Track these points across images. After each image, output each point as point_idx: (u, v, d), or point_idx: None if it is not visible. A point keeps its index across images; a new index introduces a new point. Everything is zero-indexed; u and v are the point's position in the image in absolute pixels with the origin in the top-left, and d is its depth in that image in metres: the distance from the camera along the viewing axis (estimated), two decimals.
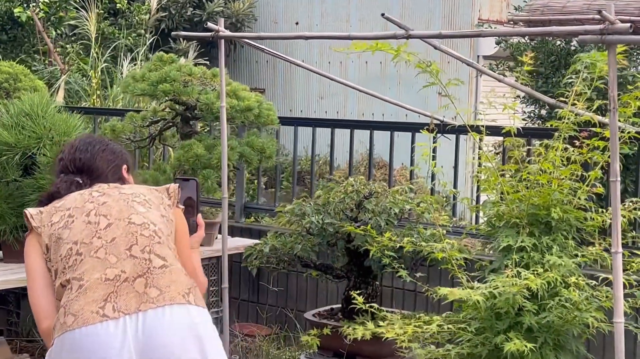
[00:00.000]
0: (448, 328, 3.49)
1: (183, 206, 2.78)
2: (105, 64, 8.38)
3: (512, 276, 3.35)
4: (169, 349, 2.46)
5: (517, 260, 3.53)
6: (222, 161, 3.98)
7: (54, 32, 10.60)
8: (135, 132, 5.25)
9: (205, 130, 6.34)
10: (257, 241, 4.63)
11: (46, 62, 9.21)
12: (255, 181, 10.00)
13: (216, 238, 5.34)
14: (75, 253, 2.54)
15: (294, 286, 5.51)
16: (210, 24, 3.93)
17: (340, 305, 4.43)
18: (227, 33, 4.11)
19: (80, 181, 2.71)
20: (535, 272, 3.35)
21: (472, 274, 3.80)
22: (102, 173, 2.73)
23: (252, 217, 6.94)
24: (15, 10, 10.26)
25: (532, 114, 8.96)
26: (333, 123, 5.97)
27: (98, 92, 7.77)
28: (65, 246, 2.55)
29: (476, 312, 3.54)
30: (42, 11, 10.37)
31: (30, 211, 2.66)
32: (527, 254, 3.55)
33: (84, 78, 8.12)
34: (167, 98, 5.04)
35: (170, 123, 5.24)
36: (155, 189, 2.73)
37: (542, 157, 3.67)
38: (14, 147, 4.27)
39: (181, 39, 11.92)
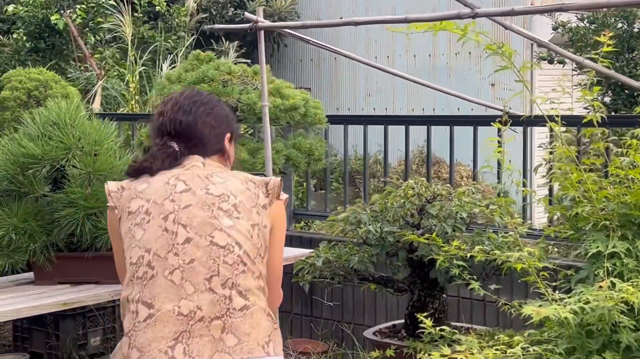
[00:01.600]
0: (534, 351, 3.02)
1: (285, 197, 2.39)
2: (144, 67, 8.06)
3: (606, 288, 2.88)
4: None
5: (609, 268, 3.06)
6: (266, 166, 3.57)
7: (92, 38, 10.34)
8: None
9: (249, 133, 5.96)
10: (308, 250, 4.23)
11: (82, 68, 8.93)
12: (304, 183, 9.65)
13: None
14: (146, 264, 2.18)
15: (350, 299, 5.09)
16: (248, 14, 3.53)
17: (403, 321, 4.00)
18: (267, 23, 3.71)
19: (177, 150, 2.33)
20: (635, 283, 2.88)
21: (555, 284, 3.35)
22: (202, 141, 2.38)
23: (302, 222, 6.54)
24: (52, 18, 10.01)
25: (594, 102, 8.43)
26: (386, 120, 5.54)
27: (137, 97, 7.45)
28: (137, 251, 2.21)
29: (564, 330, 3.07)
30: (79, 17, 10.11)
31: (110, 186, 2.33)
32: (620, 261, 3.08)
33: (122, 84, 7.80)
34: None
35: None
36: (253, 182, 2.34)
37: (632, 148, 3.20)
38: (40, 159, 3.91)
39: (223, 39, 11.59)
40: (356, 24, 3.28)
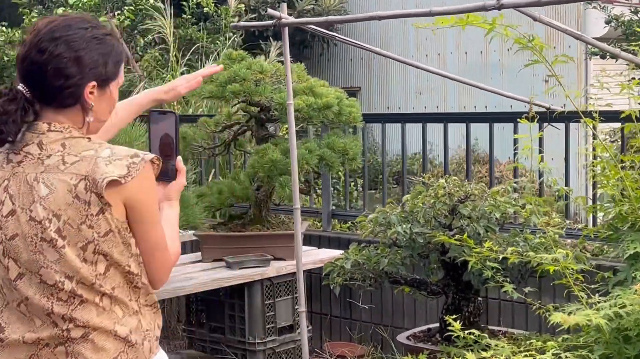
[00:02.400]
0: (566, 356, 2.88)
1: (146, 161, 1.99)
2: (187, 68, 8.03)
3: None
4: None
5: None
6: (292, 166, 3.48)
7: (142, 40, 10.37)
8: (208, 138, 4.83)
9: (285, 133, 5.88)
10: (339, 252, 4.14)
11: (125, 70, 8.96)
12: (352, 183, 9.53)
13: None
14: None
15: (389, 301, 4.97)
16: (271, 11, 3.44)
17: (438, 325, 3.87)
18: (291, 19, 3.61)
19: (23, 91, 1.97)
20: None
21: (593, 286, 3.19)
22: (49, 93, 1.97)
23: (349, 222, 6.43)
24: (101, 19, 10.07)
25: None
26: (424, 118, 5.39)
27: (178, 99, 7.43)
28: None
29: (600, 335, 2.92)
30: (127, 19, 10.16)
31: None
32: None
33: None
34: (238, 99, 4.59)
35: (245, 127, 4.79)
36: (85, 187, 1.92)
37: None
38: None
39: (271, 39, 11.55)
40: (380, 18, 3.17)
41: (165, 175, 2.19)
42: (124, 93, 8.42)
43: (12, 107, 1.96)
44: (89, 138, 2.00)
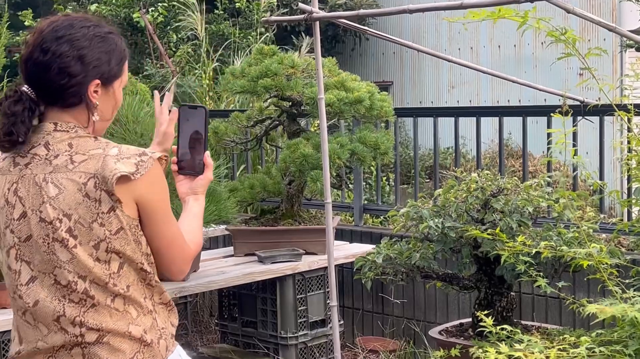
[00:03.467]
0: (600, 351, 2.85)
1: (155, 158, 2.00)
2: (218, 64, 8.06)
3: None
4: None
5: None
6: (323, 160, 3.48)
7: (175, 36, 10.43)
8: (240, 133, 4.84)
9: (317, 128, 5.88)
10: (370, 246, 4.13)
11: (158, 65, 9.00)
12: (384, 178, 9.51)
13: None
14: (13, 291, 2.04)
15: (421, 296, 4.96)
16: (302, 5, 3.44)
17: (470, 320, 3.85)
18: (322, 14, 3.60)
19: (27, 92, 1.97)
20: None
21: (628, 281, 3.16)
22: (54, 93, 1.96)
23: (381, 217, 6.42)
24: (134, 16, 10.14)
25: None
26: (456, 112, 5.37)
27: (210, 94, 7.46)
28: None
29: (634, 330, 2.89)
30: (161, 15, 10.21)
31: None
32: None
33: (197, 80, 7.83)
34: (270, 94, 4.60)
35: (277, 122, 4.80)
36: (94, 185, 1.92)
37: None
38: None
39: (303, 35, 11.54)
40: (410, 11, 3.15)
41: (192, 170, 2.21)
42: (157, 88, 8.49)
43: (18, 108, 1.95)
44: (96, 137, 2.01)
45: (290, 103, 4.66)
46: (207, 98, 7.37)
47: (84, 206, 1.93)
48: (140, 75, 8.76)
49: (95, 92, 1.98)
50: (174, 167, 2.21)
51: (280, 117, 4.76)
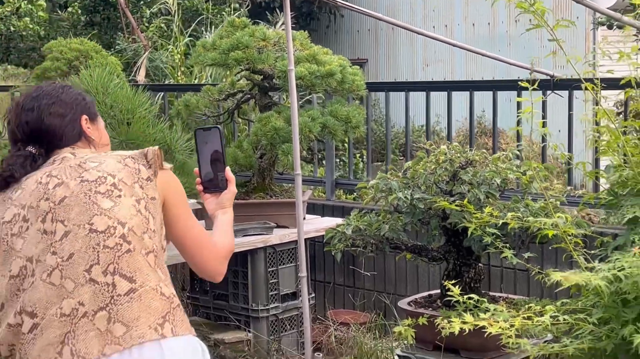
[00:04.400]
0: (564, 319, 2.89)
1: (169, 166, 2.24)
2: (190, 39, 8.02)
3: None
4: None
5: None
6: (293, 133, 3.49)
7: (147, 11, 10.35)
8: (212, 106, 4.84)
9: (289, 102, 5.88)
10: (340, 219, 4.14)
11: (130, 40, 8.94)
12: (358, 155, 9.54)
13: (304, 218, 4.88)
14: (30, 273, 2.04)
15: (391, 269, 4.99)
16: None
17: (439, 291, 3.89)
18: None
19: (35, 153, 2.19)
20: None
21: (593, 252, 3.20)
22: (56, 135, 2.20)
23: (354, 194, 6.44)
24: None
25: None
26: (428, 86, 5.38)
27: (182, 69, 7.42)
28: (18, 262, 2.06)
29: (598, 298, 2.93)
30: None
31: None
32: None
33: (168, 55, 7.79)
34: (241, 67, 4.59)
35: (249, 95, 4.80)
36: (131, 157, 2.16)
37: None
38: None
39: (277, 11, 11.50)
40: None
41: (216, 187, 2.40)
42: (129, 63, 8.45)
43: (21, 160, 2.18)
44: None
45: (262, 76, 4.66)
46: (179, 73, 7.34)
47: (126, 171, 2.12)
48: (112, 49, 8.70)
49: (88, 127, 2.25)
50: (199, 188, 2.41)
51: (252, 90, 4.76)
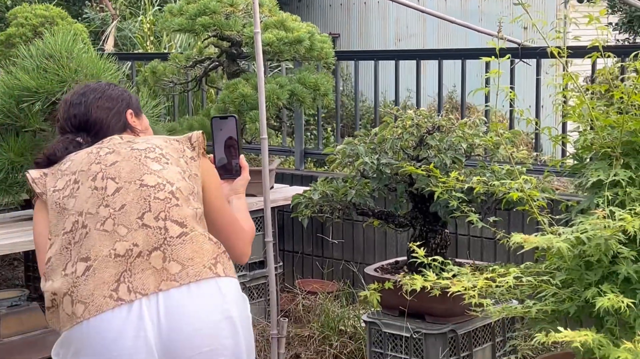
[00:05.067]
0: (528, 281, 2.90)
1: (210, 156, 2.40)
2: (159, 7, 7.93)
3: (604, 217, 2.74)
4: (199, 337, 2.05)
5: (610, 197, 2.91)
6: (259, 99, 3.46)
7: None
8: (179, 74, 4.79)
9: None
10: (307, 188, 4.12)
11: (98, 9, 8.82)
12: (329, 129, 9.52)
13: (272, 187, 4.86)
14: (81, 226, 2.12)
15: (359, 238, 5.00)
16: None
17: (405, 258, 3.89)
18: None
19: (81, 141, 2.31)
20: (633, 211, 2.73)
21: (559, 217, 3.21)
22: (102, 125, 2.35)
23: (324, 167, 6.44)
24: None
25: (626, 42, 8.17)
26: (397, 55, 5.37)
27: (152, 39, 7.35)
28: (71, 219, 2.14)
29: (562, 261, 2.94)
30: None
31: (32, 174, 2.26)
32: (622, 190, 2.92)
33: (138, 25, 7.70)
34: (208, 33, 4.54)
35: (216, 63, 4.76)
36: (176, 140, 2.30)
37: (638, 73, 3.02)
38: (35, 92, 3.85)
39: None
40: None
41: (230, 173, 2.50)
42: (97, 32, 8.34)
43: (67, 144, 2.33)
44: None
45: (230, 43, 4.62)
46: (148, 43, 7.26)
47: (172, 147, 2.26)
48: (79, 18, 8.59)
49: (133, 121, 2.39)
50: None
51: (220, 57, 4.72)
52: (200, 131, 2.34)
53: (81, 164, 2.21)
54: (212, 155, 2.48)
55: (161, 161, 2.20)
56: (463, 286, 2.86)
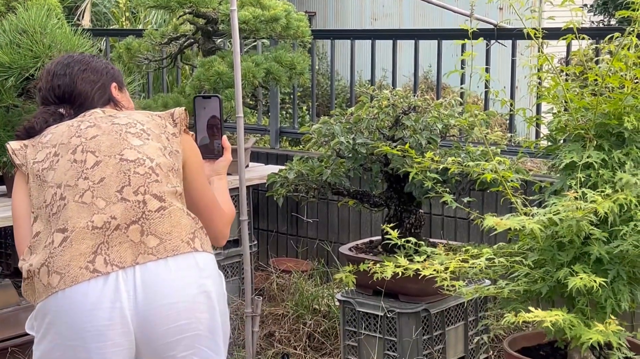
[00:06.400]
0: (500, 262, 2.93)
1: (192, 133, 2.36)
2: None
3: (576, 199, 2.77)
4: (175, 310, 2.06)
5: (583, 179, 2.94)
6: (235, 76, 3.45)
7: None
8: (154, 50, 4.75)
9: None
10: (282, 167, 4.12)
11: None
12: (304, 108, 9.50)
13: (247, 165, 4.85)
14: (59, 198, 2.11)
15: (334, 217, 5.01)
16: None
17: (380, 237, 3.91)
18: None
19: (63, 112, 2.29)
20: (604, 193, 2.76)
21: (532, 197, 3.24)
22: (87, 98, 2.32)
23: (300, 146, 6.43)
24: None
25: (601, 24, 8.21)
26: (373, 34, 5.36)
27: (127, 14, 7.28)
28: (50, 191, 2.14)
29: (534, 242, 2.97)
30: None
31: (12, 145, 2.24)
32: (595, 172, 2.95)
33: (112, 0, 7.62)
34: (184, 10, 4.51)
35: (192, 40, 4.72)
36: (158, 115, 2.29)
37: (612, 55, 3.04)
38: (9, 67, 3.81)
39: None
40: None
41: (212, 153, 2.47)
42: (71, 8, 8.25)
43: (48, 116, 2.30)
44: None
45: (206, 20, 4.59)
46: (123, 18, 7.20)
47: (154, 123, 2.24)
48: None
49: (117, 95, 2.37)
50: None
51: (196, 35, 4.69)
52: (183, 107, 2.33)
53: (62, 137, 2.20)
54: (192, 134, 2.44)
55: (142, 136, 2.19)
56: (435, 269, 2.88)
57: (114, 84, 2.38)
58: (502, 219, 2.79)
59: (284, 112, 9.00)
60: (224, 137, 2.51)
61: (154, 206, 2.10)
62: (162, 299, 2.05)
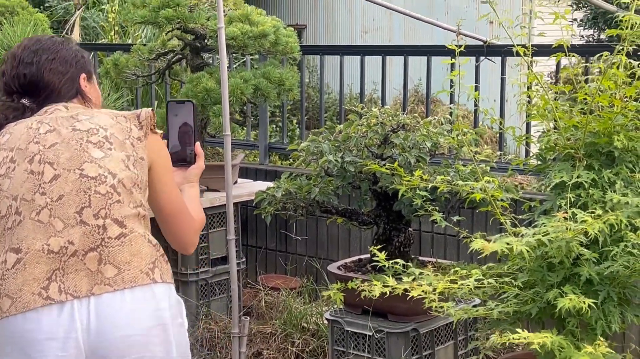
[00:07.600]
0: (489, 283, 2.90)
1: (160, 132, 2.25)
2: None
3: (566, 219, 2.74)
4: (127, 344, 2.00)
5: (573, 199, 2.91)
6: (222, 93, 3.42)
7: None
8: (142, 66, 4.72)
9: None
10: (271, 183, 4.10)
11: None
12: (295, 121, 9.47)
13: (236, 182, 4.83)
14: (14, 212, 2.03)
15: (323, 234, 4.97)
16: None
17: (369, 255, 3.88)
18: None
19: (27, 105, 2.17)
20: (594, 214, 2.73)
21: (522, 217, 3.21)
22: (53, 90, 2.20)
23: (290, 160, 6.40)
24: None
25: (590, 39, 8.22)
26: (363, 50, 5.34)
27: (116, 28, 7.25)
28: (5, 202, 2.06)
29: (524, 263, 2.95)
30: None
31: None
32: (585, 191, 2.93)
33: (101, 14, 7.59)
34: (172, 26, 4.48)
35: (180, 55, 4.69)
36: (123, 116, 2.18)
37: (601, 74, 3.02)
38: None
39: None
40: None
41: (184, 161, 2.39)
42: (59, 22, 8.21)
43: (10, 112, 2.18)
44: None
45: (194, 36, 4.56)
46: (112, 32, 7.17)
47: (118, 127, 2.13)
48: (42, 7, 8.44)
49: (86, 86, 2.26)
50: None
51: (184, 50, 4.66)
52: (150, 108, 2.23)
53: (20, 140, 2.10)
54: (165, 141, 2.35)
55: (104, 146, 2.08)
56: (423, 290, 2.85)
57: (83, 75, 2.27)
58: (490, 241, 2.76)
59: (274, 126, 8.97)
60: (197, 144, 2.42)
61: (114, 233, 2.02)
62: (115, 331, 1.99)
